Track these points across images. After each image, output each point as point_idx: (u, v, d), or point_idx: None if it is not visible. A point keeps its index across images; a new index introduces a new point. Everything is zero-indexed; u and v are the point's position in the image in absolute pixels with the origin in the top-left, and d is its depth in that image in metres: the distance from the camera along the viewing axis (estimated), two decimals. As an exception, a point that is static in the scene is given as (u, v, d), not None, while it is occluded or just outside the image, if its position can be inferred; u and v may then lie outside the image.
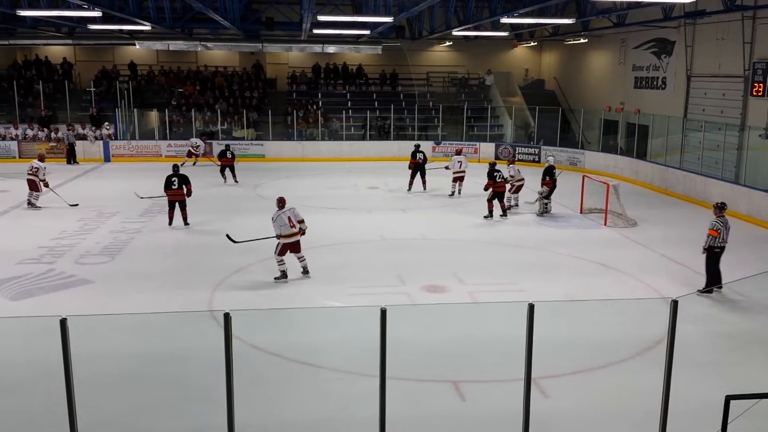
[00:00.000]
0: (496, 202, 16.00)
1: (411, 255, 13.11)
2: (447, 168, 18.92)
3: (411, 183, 19.56)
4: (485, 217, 16.08)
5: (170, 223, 14.90)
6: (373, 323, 5.53)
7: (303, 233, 11.23)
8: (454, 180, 18.80)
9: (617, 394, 7.55)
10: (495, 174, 15.86)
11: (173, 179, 14.80)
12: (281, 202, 11.25)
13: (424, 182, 19.54)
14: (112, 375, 7.76)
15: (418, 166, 19.42)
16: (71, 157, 24.48)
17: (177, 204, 14.87)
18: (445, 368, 8.09)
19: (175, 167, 15.43)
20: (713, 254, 10.74)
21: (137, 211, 16.55)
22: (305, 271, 11.37)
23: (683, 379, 6.23)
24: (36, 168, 16.88)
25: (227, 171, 20.78)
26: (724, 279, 10.88)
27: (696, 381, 7.52)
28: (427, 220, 16.01)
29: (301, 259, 11.34)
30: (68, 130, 24.88)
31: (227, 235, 12.21)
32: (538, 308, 5.68)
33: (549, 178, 16.60)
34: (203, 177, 20.31)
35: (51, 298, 10.35)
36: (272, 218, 11.12)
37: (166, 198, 14.95)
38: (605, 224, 15.63)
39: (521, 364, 5.81)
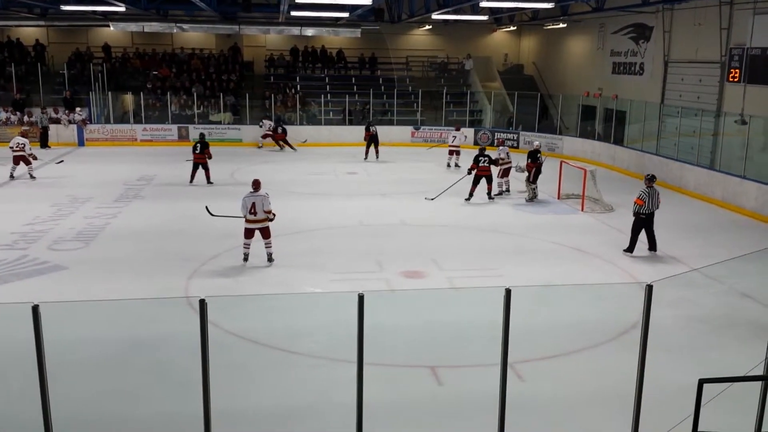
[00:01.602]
0: (482, 186, 16.35)
1: (390, 241, 13.10)
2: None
3: (367, 152, 22.59)
4: (466, 199, 16.23)
5: (191, 181, 17.95)
6: (351, 309, 5.50)
7: (270, 221, 11.22)
8: (450, 153, 21.17)
9: (592, 378, 7.64)
10: (481, 159, 16.17)
11: (197, 145, 17.90)
12: (255, 185, 11.23)
13: (377, 152, 22.52)
14: (86, 362, 7.68)
15: (372, 138, 22.52)
16: (44, 141, 24.07)
17: (200, 165, 17.88)
18: (423, 353, 8.12)
19: (202, 135, 18.78)
20: (639, 220, 12.07)
21: (112, 196, 16.34)
22: (269, 259, 11.28)
23: (657, 362, 6.31)
24: (22, 144, 18.18)
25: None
26: (700, 263, 11.04)
27: (670, 365, 7.62)
28: (407, 206, 15.99)
29: (267, 245, 11.26)
30: (42, 113, 24.45)
31: (206, 207, 12.41)
32: (515, 293, 5.69)
33: (531, 161, 16.65)
34: (179, 161, 20.06)
35: (24, 285, 10.19)
36: (242, 198, 11.18)
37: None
38: (582, 210, 15.74)
39: (498, 349, 5.82)
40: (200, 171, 18.00)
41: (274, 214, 11.23)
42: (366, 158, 22.52)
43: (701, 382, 4.96)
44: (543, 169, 16.88)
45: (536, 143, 17.62)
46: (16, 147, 18.10)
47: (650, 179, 12.24)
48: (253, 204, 10.95)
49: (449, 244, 13.01)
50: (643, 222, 12.08)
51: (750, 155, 16.29)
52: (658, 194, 12.15)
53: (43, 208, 14.94)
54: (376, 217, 14.86)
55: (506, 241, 13.29)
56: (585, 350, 8.34)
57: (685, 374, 6.65)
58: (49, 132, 24.33)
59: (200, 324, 5.28)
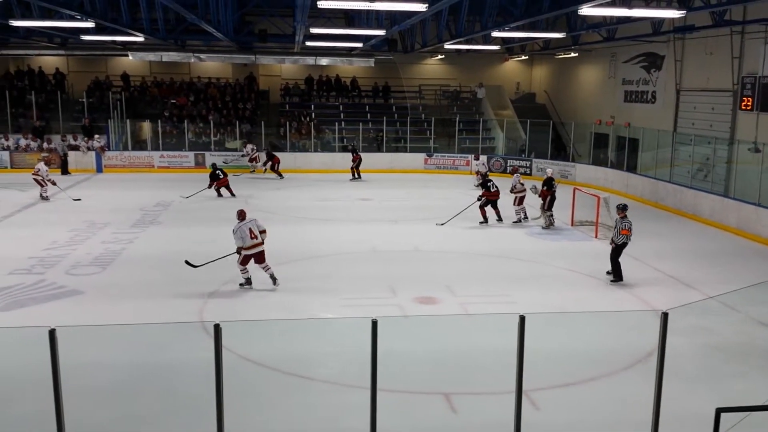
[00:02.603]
0: (489, 208, 16.71)
1: (403, 267, 13.11)
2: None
3: (353, 173, 24.47)
4: (481, 222, 16.53)
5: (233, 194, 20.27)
6: (365, 334, 5.53)
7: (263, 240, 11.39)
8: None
9: (608, 407, 7.56)
10: (489, 184, 16.70)
11: (218, 171, 20.23)
12: (242, 215, 11.35)
13: (359, 174, 24.41)
14: (101, 386, 7.71)
15: (360, 161, 24.50)
16: (65, 167, 24.41)
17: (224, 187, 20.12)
18: (437, 380, 8.08)
19: (214, 165, 20.89)
20: (620, 249, 12.04)
21: (129, 222, 16.51)
22: (273, 280, 11.31)
23: (674, 391, 6.25)
24: (38, 170, 19.05)
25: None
26: (716, 291, 10.98)
27: (686, 393, 7.54)
28: (420, 232, 16.02)
29: (266, 268, 11.31)
30: (62, 141, 24.81)
31: (186, 261, 11.93)
32: (529, 320, 5.70)
33: (547, 189, 16.61)
34: (195, 187, 20.27)
35: (41, 309, 10.29)
36: (233, 231, 11.15)
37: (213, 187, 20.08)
38: (596, 236, 15.69)
39: (513, 376, 5.82)
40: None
41: (266, 236, 11.43)
42: (354, 178, 24.20)
43: (719, 411, 4.93)
44: (556, 195, 16.85)
45: (549, 171, 17.61)
46: (34, 173, 19.11)
47: (623, 209, 12.23)
48: (250, 229, 11.08)
49: (463, 270, 13.00)
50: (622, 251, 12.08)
51: (765, 182, 16.22)
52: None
53: (60, 233, 15.11)
54: (389, 243, 14.90)
55: (520, 268, 13.26)
56: (600, 378, 8.28)
57: (702, 403, 6.61)
58: (69, 159, 24.67)
59: (215, 348, 5.33)
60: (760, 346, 9.58)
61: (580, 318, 10.17)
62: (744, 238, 16.00)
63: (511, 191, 16.96)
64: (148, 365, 8.40)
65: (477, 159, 24.17)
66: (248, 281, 11.32)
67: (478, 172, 21.91)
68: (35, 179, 18.97)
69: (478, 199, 16.70)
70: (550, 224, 16.54)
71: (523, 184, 17.22)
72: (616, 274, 12.14)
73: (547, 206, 16.55)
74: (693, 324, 10.02)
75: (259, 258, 11.24)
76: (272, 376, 8.18)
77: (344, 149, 26.90)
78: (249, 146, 25.70)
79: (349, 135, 28.06)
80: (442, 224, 16.29)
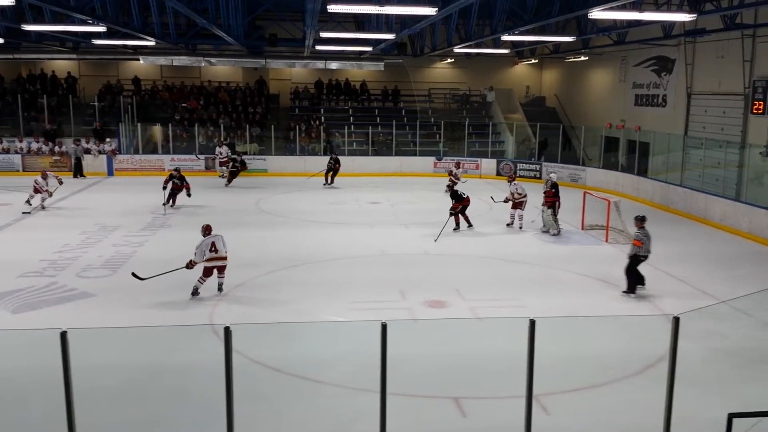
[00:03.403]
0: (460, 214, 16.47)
1: (413, 270, 13.11)
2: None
3: (327, 178, 23.68)
4: (454, 229, 16.27)
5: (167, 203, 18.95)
6: (374, 338, 5.53)
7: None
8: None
9: (619, 412, 7.52)
10: (459, 192, 16.62)
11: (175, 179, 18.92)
12: (206, 230, 11.25)
13: (332, 179, 23.69)
14: (112, 388, 7.74)
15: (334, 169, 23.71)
16: (78, 171, 24.54)
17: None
18: (447, 384, 8.07)
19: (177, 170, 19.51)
20: (636, 261, 11.60)
21: (140, 225, 16.60)
22: (220, 289, 11.18)
23: (685, 396, 6.21)
24: (35, 181, 18.39)
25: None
26: (727, 296, 10.90)
27: (698, 399, 7.49)
28: (430, 236, 16.01)
29: (222, 277, 11.21)
30: (75, 144, 24.96)
31: (132, 273, 11.44)
32: (539, 324, 5.68)
33: (554, 194, 16.38)
34: (205, 190, 20.35)
35: (53, 311, 10.35)
36: (196, 246, 11.01)
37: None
38: (606, 241, 15.63)
39: (523, 381, 5.80)
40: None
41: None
42: (328, 183, 23.52)
43: (731, 417, 4.90)
44: (565, 198, 16.76)
45: (554, 176, 17.27)
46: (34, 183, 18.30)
47: (641, 219, 11.83)
48: (213, 243, 10.96)
49: (473, 274, 12.98)
50: (640, 262, 11.64)
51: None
52: (649, 235, 11.69)
53: (72, 236, 15.20)
54: (399, 247, 14.90)
55: (530, 272, 13.23)
56: (611, 383, 8.23)
57: (714, 408, 6.55)
58: (83, 162, 24.81)
59: (225, 351, 5.34)
60: (772, 351, 9.52)
61: (591, 322, 10.13)
62: (755, 242, 15.89)
63: (509, 200, 16.89)
64: (158, 368, 8.43)
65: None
66: (196, 291, 11.02)
67: (451, 180, 20.13)
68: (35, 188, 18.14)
69: (452, 213, 16.24)
70: (558, 231, 16.33)
71: (524, 188, 16.99)
72: (629, 286, 11.69)
73: (556, 212, 16.40)
74: (704, 329, 9.96)
75: (222, 270, 11.15)
76: (282, 379, 8.19)
77: (326, 151, 26.39)
78: (223, 148, 25.00)
79: (359, 139, 28.11)
80: (435, 240, 15.58)
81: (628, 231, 15.96)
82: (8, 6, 16.79)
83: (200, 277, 11.02)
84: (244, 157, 24.73)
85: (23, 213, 17.63)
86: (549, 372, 6.70)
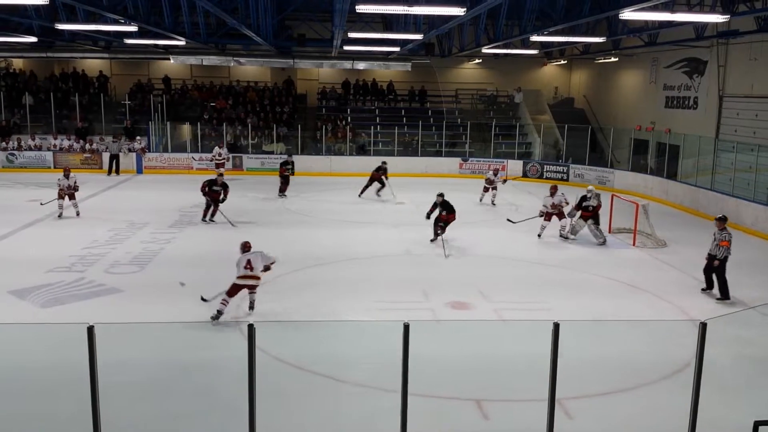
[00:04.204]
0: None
1: (437, 271, 13.08)
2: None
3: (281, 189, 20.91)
4: (431, 240, 15.26)
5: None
6: (396, 338, 5.53)
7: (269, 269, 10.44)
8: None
9: (643, 417, 7.43)
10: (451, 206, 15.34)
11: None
12: (245, 247, 10.38)
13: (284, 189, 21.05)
14: (137, 383, 7.85)
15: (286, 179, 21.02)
16: (116, 168, 24.79)
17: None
18: (469, 386, 8.03)
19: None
20: (724, 264, 11.39)
21: (168, 222, 16.79)
22: (251, 307, 10.29)
23: (711, 402, 6.13)
24: (58, 180, 17.23)
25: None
26: (756, 302, 10.72)
27: (724, 405, 7.37)
28: (454, 237, 15.95)
29: (253, 293, 10.31)
30: (114, 141, 25.31)
31: (202, 297, 10.32)
32: (563, 327, 5.64)
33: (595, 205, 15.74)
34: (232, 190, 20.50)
35: (80, 306, 10.52)
36: (236, 264, 10.20)
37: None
38: (634, 244, 15.44)
39: (546, 384, 5.76)
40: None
41: (273, 262, 10.47)
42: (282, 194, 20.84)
43: (757, 424, 4.83)
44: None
45: (590, 187, 16.49)
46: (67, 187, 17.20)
47: (724, 220, 11.66)
48: (249, 261, 10.13)
49: (497, 275, 12.91)
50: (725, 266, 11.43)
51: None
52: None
53: (101, 232, 15.44)
54: (424, 247, 14.87)
55: (556, 275, 13.12)
56: (636, 388, 8.12)
57: (740, 415, 6.45)
58: (122, 159, 25.09)
59: (248, 348, 5.39)
60: (802, 359, 9.32)
61: (617, 326, 10.02)
62: (788, 248, 15.59)
63: (554, 207, 15.89)
64: (182, 364, 8.52)
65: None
66: (219, 315, 9.94)
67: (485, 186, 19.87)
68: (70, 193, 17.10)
69: (442, 225, 15.04)
70: (604, 240, 15.73)
71: (566, 198, 16.19)
72: (723, 292, 11.39)
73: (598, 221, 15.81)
74: (732, 334, 9.80)
75: (253, 289, 10.29)
76: (305, 377, 8.23)
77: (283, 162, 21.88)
78: (223, 149, 24.36)
79: (385, 139, 28.12)
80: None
81: (656, 235, 15.79)
82: (42, 5, 17.12)
83: (223, 299, 9.99)
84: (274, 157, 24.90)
85: (41, 204, 17.48)
86: (573, 376, 6.65)
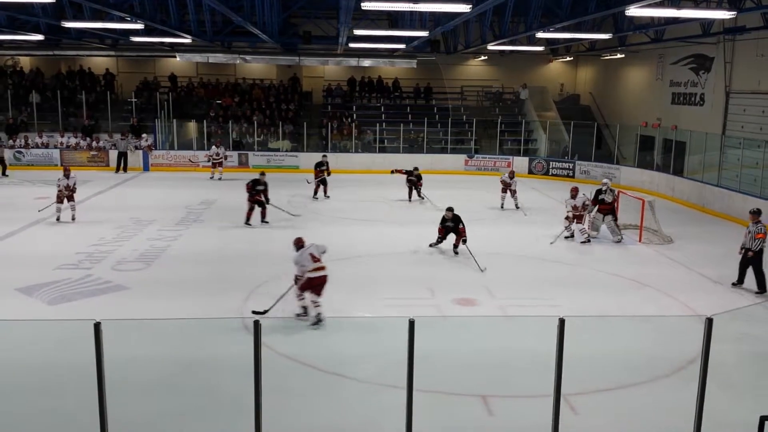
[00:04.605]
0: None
1: (442, 268, 13.10)
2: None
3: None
4: (431, 245, 14.65)
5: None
6: (402, 334, 5.55)
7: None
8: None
9: (649, 413, 7.42)
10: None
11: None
12: (300, 243, 10.10)
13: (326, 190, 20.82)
14: (143, 379, 7.89)
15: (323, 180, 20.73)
16: (124, 165, 24.94)
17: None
18: (474, 382, 8.04)
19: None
20: (761, 256, 11.35)
21: (174, 219, 16.84)
22: (318, 321, 9.72)
23: (717, 399, 6.13)
24: (57, 180, 16.37)
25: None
26: (762, 297, 10.67)
27: (730, 401, 7.37)
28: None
29: (317, 305, 9.78)
30: (122, 138, 25.41)
31: (253, 311, 10.06)
32: (569, 323, 5.64)
33: (611, 200, 15.64)
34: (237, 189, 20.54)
35: (87, 303, 10.57)
36: (294, 262, 9.93)
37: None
38: (640, 241, 15.41)
39: (551, 380, 5.77)
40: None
41: (324, 251, 10.23)
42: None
43: (763, 420, 4.82)
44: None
45: (605, 181, 16.24)
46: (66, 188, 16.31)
47: (758, 213, 11.72)
48: (311, 254, 9.84)
49: (503, 272, 12.91)
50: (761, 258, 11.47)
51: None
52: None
53: (107, 229, 15.50)
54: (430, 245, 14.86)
55: (561, 271, 13.11)
56: (641, 384, 8.12)
57: (746, 411, 6.45)
58: (130, 157, 25.23)
59: (254, 344, 5.40)
60: (809, 355, 9.30)
61: (622, 322, 10.02)
62: (795, 244, 15.51)
63: (577, 209, 15.43)
64: (188, 360, 8.55)
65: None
66: (305, 311, 9.87)
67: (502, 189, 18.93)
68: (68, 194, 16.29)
69: (463, 241, 13.88)
70: (621, 238, 15.59)
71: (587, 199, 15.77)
72: (761, 285, 11.43)
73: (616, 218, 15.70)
74: (738, 331, 9.79)
75: (320, 286, 9.80)
76: (311, 373, 8.25)
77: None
78: (221, 148, 24.29)
79: (391, 136, 28.12)
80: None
81: (662, 231, 15.75)
82: (49, 3, 17.19)
83: (299, 294, 9.79)
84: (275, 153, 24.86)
85: (39, 211, 16.54)
86: (578, 371, 6.65)
